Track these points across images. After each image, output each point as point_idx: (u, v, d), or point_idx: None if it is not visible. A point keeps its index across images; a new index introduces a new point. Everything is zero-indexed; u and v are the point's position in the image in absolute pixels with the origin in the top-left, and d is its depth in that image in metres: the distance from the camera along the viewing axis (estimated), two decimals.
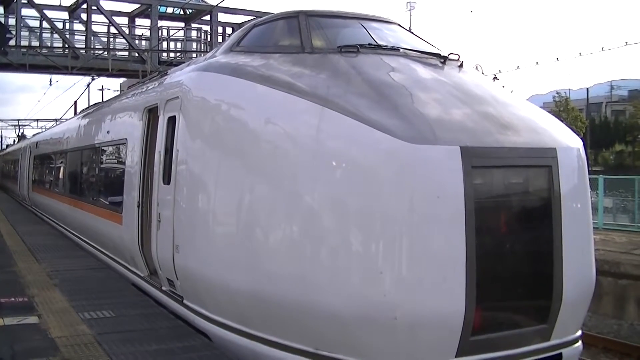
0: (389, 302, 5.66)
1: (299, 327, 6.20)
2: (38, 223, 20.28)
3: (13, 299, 8.77)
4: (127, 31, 38.24)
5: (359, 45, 7.36)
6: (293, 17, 8.11)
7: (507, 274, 6.12)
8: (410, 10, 53.93)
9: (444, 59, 7.56)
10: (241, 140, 7.10)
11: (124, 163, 10.75)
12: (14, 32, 31.09)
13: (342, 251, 5.94)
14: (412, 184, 5.71)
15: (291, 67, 7.29)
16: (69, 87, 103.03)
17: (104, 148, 13.14)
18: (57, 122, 33.74)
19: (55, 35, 35.85)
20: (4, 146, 76.29)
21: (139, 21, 40.44)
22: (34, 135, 37.85)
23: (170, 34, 39.27)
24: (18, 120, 73.88)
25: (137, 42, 38.59)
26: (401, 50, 7.63)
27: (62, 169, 18.61)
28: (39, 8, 34.60)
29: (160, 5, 38.21)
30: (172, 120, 8.51)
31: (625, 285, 15.19)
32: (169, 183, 8.25)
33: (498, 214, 6.15)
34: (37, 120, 67.11)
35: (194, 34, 41.60)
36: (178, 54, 38.50)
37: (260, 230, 6.67)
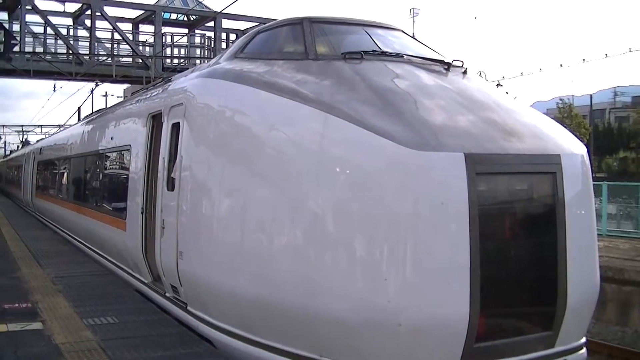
0: (393, 308, 5.66)
1: (303, 333, 6.20)
2: (41, 229, 20.31)
3: (17, 305, 8.77)
4: (131, 37, 38.34)
5: (362, 51, 7.37)
6: (297, 24, 8.12)
7: (511, 280, 6.12)
8: (413, 16, 54.06)
9: (448, 66, 7.58)
10: (245, 146, 7.10)
11: (127, 169, 10.75)
12: (18, 38, 31.21)
13: (347, 257, 5.93)
14: (416, 191, 5.71)
15: (295, 73, 7.30)
16: (72, 93, 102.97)
17: (108, 154, 13.16)
18: (61, 128, 33.78)
19: (60, 42, 35.97)
20: (7, 152, 76.36)
21: (143, 27, 40.58)
22: (37, 141, 37.95)
23: (174, 40, 39.38)
24: (22, 126, 74.02)
25: (141, 48, 38.69)
26: (405, 56, 7.63)
27: (65, 175, 18.64)
28: (43, 14, 34.71)
29: (164, 12, 38.33)
30: (176, 127, 8.53)
31: (629, 292, 15.15)
32: (172, 189, 8.25)
33: (502, 221, 6.15)
34: (41, 126, 67.29)
35: (197, 40, 41.70)
36: (182, 60, 38.59)
37: (264, 236, 6.67)
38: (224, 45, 38.53)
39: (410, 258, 5.69)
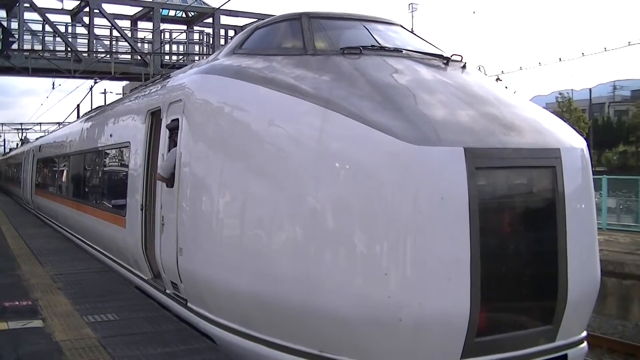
0: (393, 304, 5.65)
1: (304, 329, 6.20)
2: (41, 226, 20.30)
3: (17, 303, 8.76)
4: (129, 34, 38.31)
5: (361, 46, 7.34)
6: (295, 19, 8.09)
7: (511, 275, 6.11)
8: (412, 11, 54.09)
9: (447, 60, 7.55)
10: (244, 142, 7.09)
11: (127, 166, 10.75)
12: (16, 36, 31.15)
13: (347, 253, 5.93)
14: (416, 186, 5.70)
15: (294, 69, 7.28)
16: (71, 91, 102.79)
17: (107, 151, 13.16)
18: (60, 126, 33.75)
19: (58, 39, 35.97)
20: (7, 150, 76.32)
21: (141, 24, 40.49)
22: (37, 138, 37.93)
23: (173, 37, 39.34)
24: (21, 123, 73.92)
25: (139, 45, 38.68)
26: (404, 51, 7.61)
27: (65, 172, 18.63)
28: (42, 12, 34.70)
29: (163, 9, 38.29)
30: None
31: (629, 286, 15.16)
32: (172, 186, 8.24)
33: (502, 215, 6.14)
34: (40, 123, 67.14)
35: (196, 36, 41.66)
36: (180, 57, 38.56)
37: (264, 233, 6.66)
38: (222, 41, 38.54)
39: (410, 253, 5.68)
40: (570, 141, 6.68)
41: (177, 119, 8.37)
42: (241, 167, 7.08)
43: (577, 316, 6.46)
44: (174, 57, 38.97)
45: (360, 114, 6.07)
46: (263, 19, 9.48)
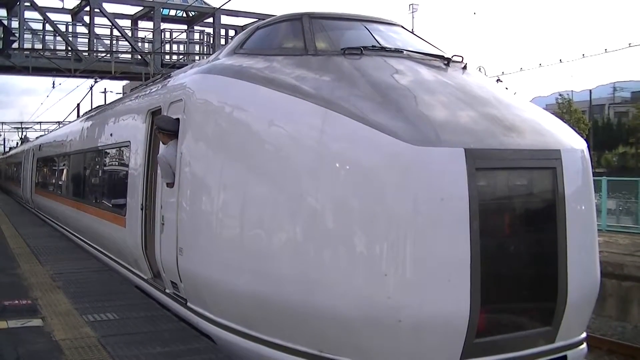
0: (393, 305, 5.65)
1: (303, 329, 6.20)
2: (41, 225, 20.30)
3: (17, 302, 8.76)
4: (130, 34, 38.32)
5: (362, 47, 7.34)
6: (296, 20, 8.09)
7: (511, 276, 6.11)
8: (412, 12, 54.13)
9: (448, 61, 7.55)
10: (245, 142, 7.09)
11: (127, 166, 10.74)
12: (17, 35, 31.15)
13: (346, 253, 5.92)
14: (416, 186, 5.70)
15: (295, 69, 7.28)
16: (71, 90, 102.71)
17: (107, 151, 13.16)
18: (60, 125, 33.74)
19: (58, 38, 35.97)
20: (7, 149, 76.26)
21: (141, 24, 40.49)
22: (37, 138, 37.93)
23: (173, 37, 39.35)
24: (21, 122, 73.80)
25: (139, 44, 38.68)
26: (405, 52, 7.61)
27: (65, 171, 18.64)
28: (42, 11, 34.72)
29: (163, 8, 38.29)
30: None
31: (629, 287, 15.16)
32: (172, 186, 8.24)
33: (502, 216, 6.14)
34: (40, 123, 67.09)
35: (196, 36, 41.67)
36: (181, 57, 38.56)
37: (264, 233, 6.66)
38: (223, 41, 38.54)
39: (410, 254, 5.68)
40: (571, 142, 6.68)
41: (178, 119, 8.37)
42: (242, 167, 7.08)
43: (576, 317, 6.46)
44: (175, 57, 38.97)
45: (360, 114, 6.07)
46: (264, 19, 9.48)
